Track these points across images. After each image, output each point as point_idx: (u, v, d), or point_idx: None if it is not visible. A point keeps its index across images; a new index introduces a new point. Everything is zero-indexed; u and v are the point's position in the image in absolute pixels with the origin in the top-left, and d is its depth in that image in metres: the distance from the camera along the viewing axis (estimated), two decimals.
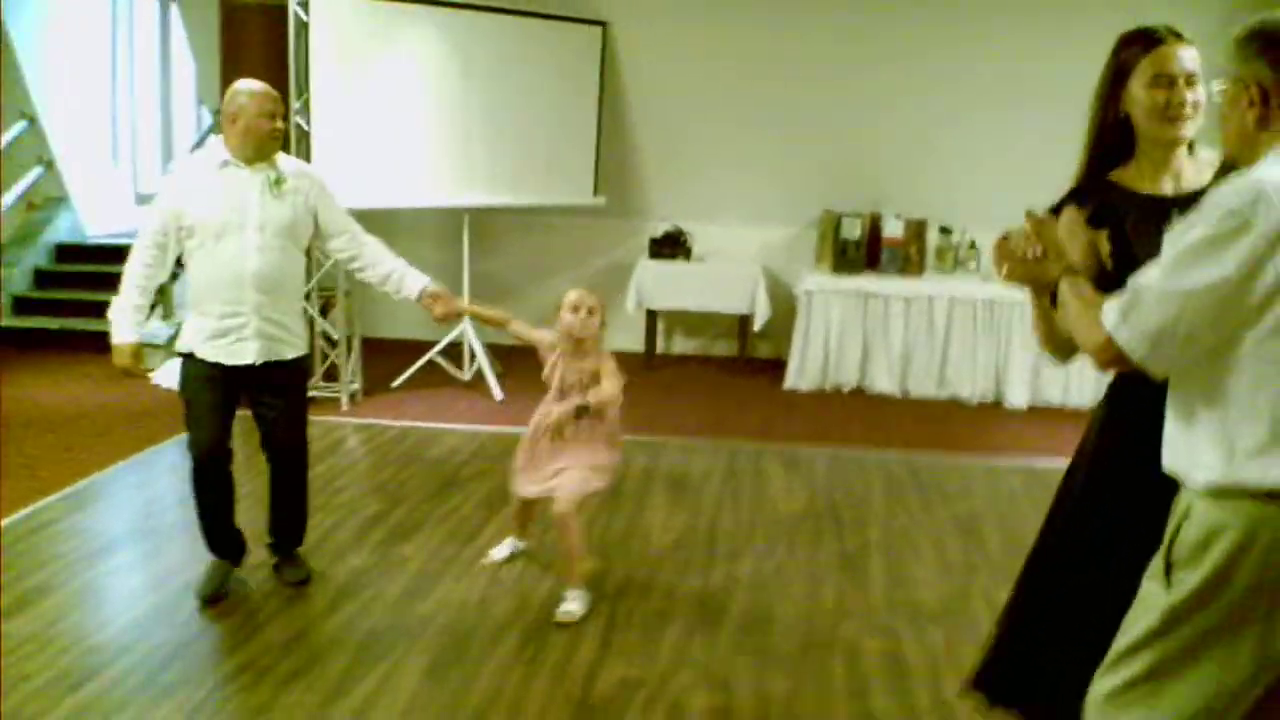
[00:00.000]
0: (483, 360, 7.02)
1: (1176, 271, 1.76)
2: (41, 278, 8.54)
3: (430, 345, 7.24)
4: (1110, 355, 1.87)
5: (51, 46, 8.76)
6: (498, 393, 6.80)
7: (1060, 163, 2.58)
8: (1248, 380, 1.75)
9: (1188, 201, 2.02)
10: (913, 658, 3.49)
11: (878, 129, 7.63)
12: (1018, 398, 6.86)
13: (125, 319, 3.63)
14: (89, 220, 9.17)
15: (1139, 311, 1.80)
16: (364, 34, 6.48)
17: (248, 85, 3.64)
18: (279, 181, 3.66)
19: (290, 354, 3.76)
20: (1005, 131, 7.36)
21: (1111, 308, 1.85)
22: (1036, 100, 6.97)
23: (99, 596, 3.87)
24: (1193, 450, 1.83)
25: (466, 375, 7.20)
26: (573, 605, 3.70)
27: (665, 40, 7.72)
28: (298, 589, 3.89)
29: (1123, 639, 1.90)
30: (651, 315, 7.92)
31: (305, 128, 6.29)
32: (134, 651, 3.40)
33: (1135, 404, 2.11)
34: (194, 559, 3.91)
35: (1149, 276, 1.80)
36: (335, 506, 4.82)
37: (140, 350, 3.67)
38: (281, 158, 3.74)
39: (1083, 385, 6.65)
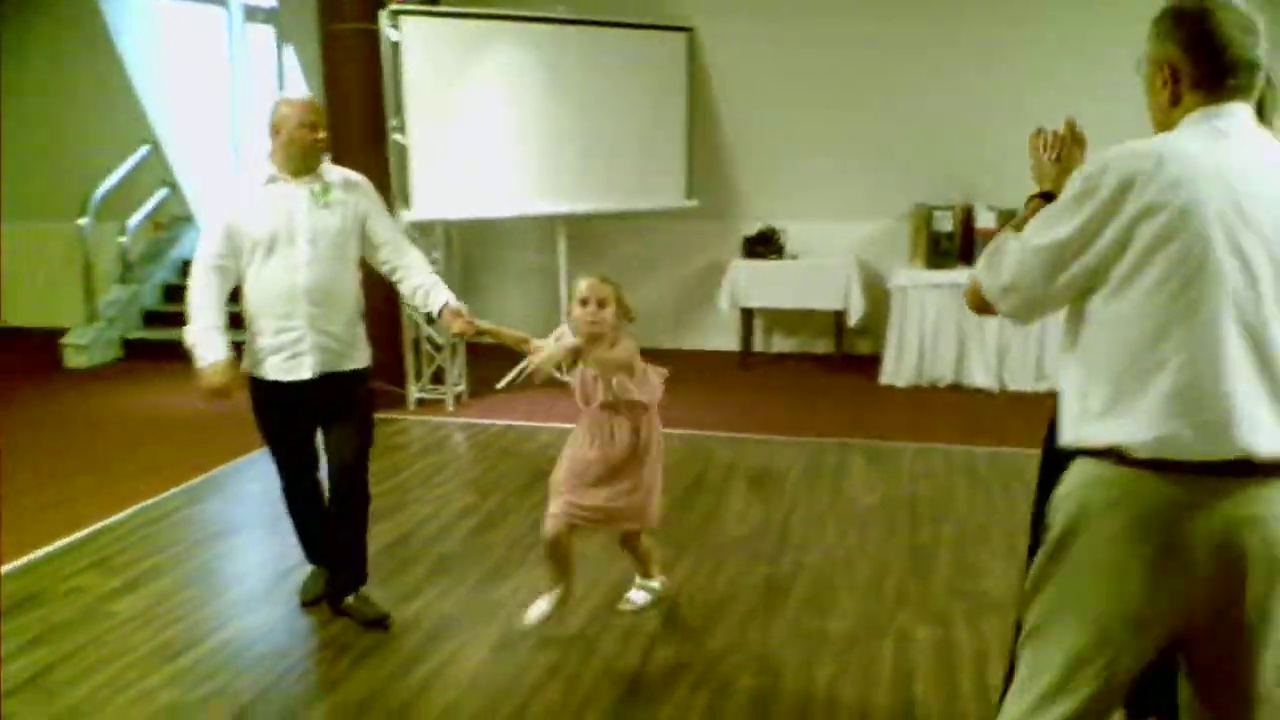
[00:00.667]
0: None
1: (1033, 230, 1.89)
2: (170, 292, 9.11)
3: None
4: (975, 300, 2.03)
5: (168, 75, 9.31)
6: None
7: None
8: (1102, 342, 1.83)
9: None
10: (964, 646, 3.53)
11: (968, 120, 7.58)
12: None
13: (208, 339, 3.45)
14: None
15: (998, 262, 1.94)
16: (455, 51, 6.76)
17: (289, 96, 3.62)
18: (325, 191, 3.57)
19: (349, 366, 3.66)
20: (1098, 121, 7.23)
21: (982, 254, 1.97)
22: (1131, 88, 6.84)
23: (206, 578, 4.19)
24: (1062, 411, 1.92)
25: (566, 376, 7.40)
26: (638, 596, 3.77)
27: (751, 41, 7.82)
28: (382, 631, 3.69)
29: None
30: (747, 314, 8.03)
31: (403, 144, 6.60)
32: (230, 627, 3.71)
33: None
34: (294, 546, 4.16)
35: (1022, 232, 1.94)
36: (431, 499, 5.10)
37: (232, 365, 3.49)
38: (328, 167, 3.64)
39: None
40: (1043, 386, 6.93)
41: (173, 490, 5.17)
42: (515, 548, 4.45)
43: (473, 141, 6.83)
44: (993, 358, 7.08)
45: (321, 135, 3.55)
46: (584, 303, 3.43)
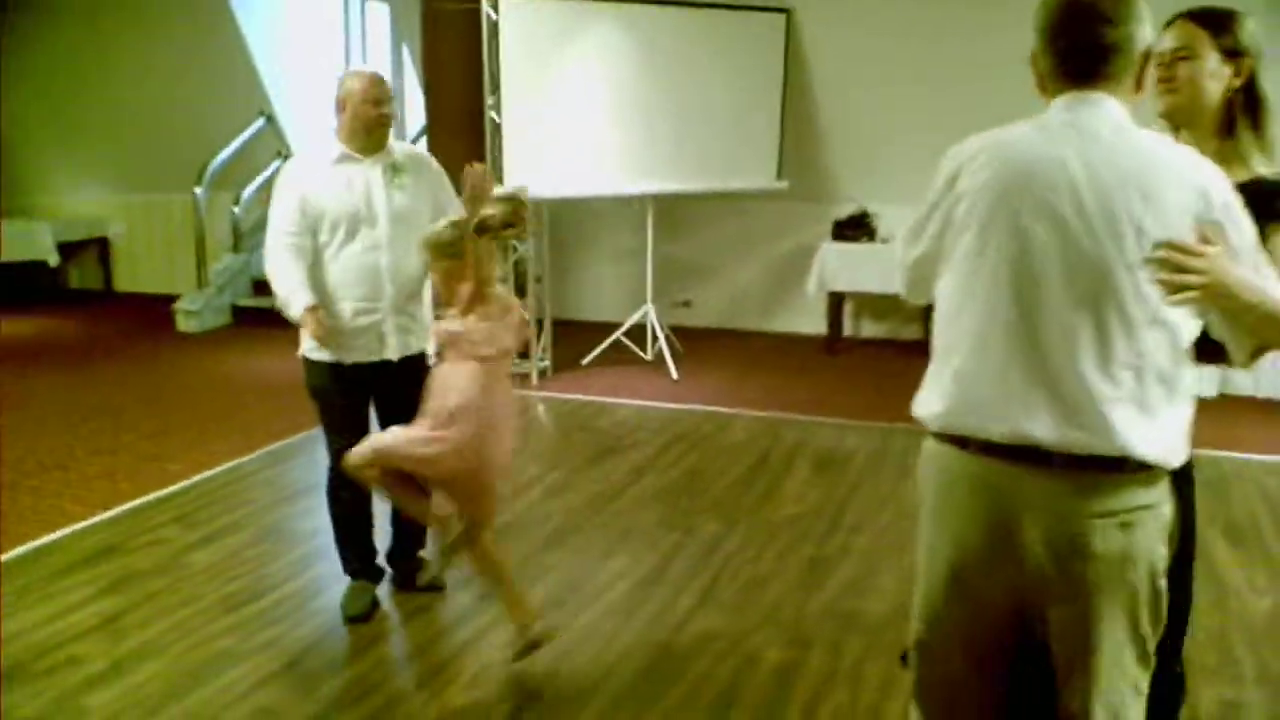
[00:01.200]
0: (663, 342, 7.33)
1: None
2: None
3: (618, 327, 7.62)
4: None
5: (285, 49, 9.65)
6: (674, 372, 7.10)
7: None
8: (935, 319, 1.93)
9: None
10: None
11: None
12: (1207, 387, 6.56)
13: (297, 293, 3.43)
14: None
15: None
16: (552, 32, 6.89)
17: (355, 71, 3.61)
18: (397, 170, 3.55)
19: (418, 347, 3.67)
20: None
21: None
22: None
23: (278, 536, 4.41)
24: None
25: (649, 355, 7.53)
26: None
27: (849, 22, 7.74)
28: (435, 593, 3.82)
29: None
30: (836, 298, 7.99)
31: (497, 121, 6.76)
32: (295, 581, 3.92)
33: None
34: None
35: None
36: None
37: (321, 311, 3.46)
38: (394, 143, 3.62)
39: (1276, 377, 6.31)
40: None
41: (259, 452, 5.44)
42: (573, 516, 4.57)
43: (566, 120, 6.95)
44: None
45: (386, 111, 3.51)
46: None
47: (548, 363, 7.32)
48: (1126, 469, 1.75)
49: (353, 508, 3.71)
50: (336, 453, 3.45)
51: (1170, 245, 1.72)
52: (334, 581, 3.87)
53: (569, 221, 8.79)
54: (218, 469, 5.15)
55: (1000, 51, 7.67)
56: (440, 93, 7.16)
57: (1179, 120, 2.25)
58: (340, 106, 3.54)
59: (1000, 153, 1.83)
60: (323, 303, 3.49)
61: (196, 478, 5.01)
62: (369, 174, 3.53)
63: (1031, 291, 1.77)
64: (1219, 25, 2.19)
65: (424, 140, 7.36)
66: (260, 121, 9.51)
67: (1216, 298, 1.74)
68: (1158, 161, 1.77)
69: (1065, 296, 1.75)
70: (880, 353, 7.93)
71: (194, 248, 9.24)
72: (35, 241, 9.84)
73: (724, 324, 8.67)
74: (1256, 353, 1.88)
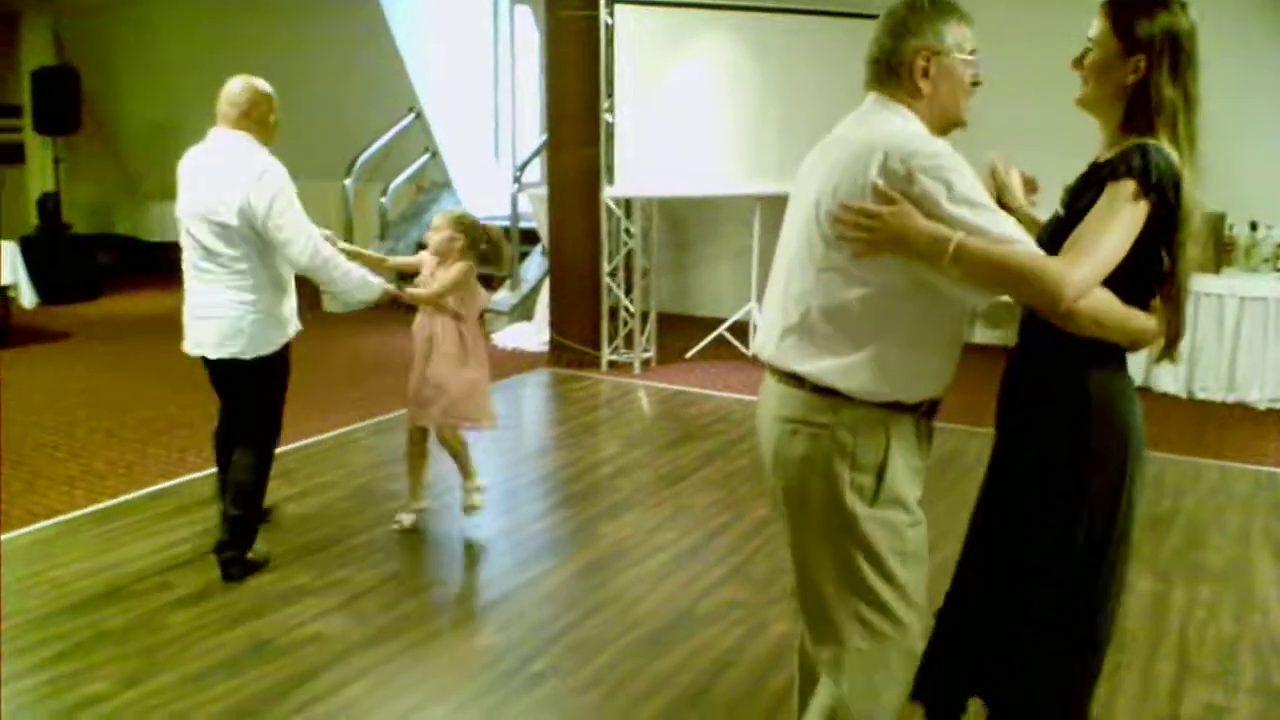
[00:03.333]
0: None
1: None
2: (423, 249, 10.05)
3: (722, 322, 7.90)
4: None
5: (434, 48, 10.23)
6: None
7: None
8: None
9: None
10: None
11: None
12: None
13: (369, 277, 4.18)
14: (470, 203, 10.65)
15: None
16: (665, 38, 7.20)
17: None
18: None
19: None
20: None
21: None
22: None
23: (363, 494, 4.86)
24: None
25: (749, 351, 7.77)
26: (468, 498, 4.41)
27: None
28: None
29: None
30: None
31: (611, 122, 7.12)
32: (368, 533, 4.35)
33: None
34: (446, 472, 4.76)
35: None
36: (582, 446, 5.63)
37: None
38: None
39: None
40: (1232, 397, 6.66)
41: (366, 421, 5.94)
42: (638, 492, 4.89)
43: (677, 122, 7.25)
44: (1183, 365, 6.85)
45: None
46: (437, 229, 4.38)
47: (651, 353, 7.64)
48: (805, 387, 2.14)
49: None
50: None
51: (845, 206, 2.05)
52: (400, 539, 4.31)
53: (683, 220, 9.10)
54: (328, 434, 5.66)
55: (1059, 58, 7.62)
56: (560, 95, 7.55)
57: (1088, 110, 2.26)
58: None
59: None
60: (285, 288, 4.12)
61: (306, 440, 5.52)
62: None
63: (784, 244, 2.27)
64: (1120, 17, 2.14)
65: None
66: (409, 117, 10.13)
67: (895, 245, 2.01)
68: (839, 139, 2.19)
69: (785, 249, 2.26)
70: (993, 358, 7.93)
71: (342, 235, 9.88)
72: None
73: None
74: (997, 314, 2.17)
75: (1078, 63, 2.26)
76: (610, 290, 7.53)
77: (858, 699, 2.19)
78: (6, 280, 8.48)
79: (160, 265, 11.84)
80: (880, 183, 2.01)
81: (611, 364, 7.53)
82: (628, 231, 7.63)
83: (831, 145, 2.20)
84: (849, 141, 2.13)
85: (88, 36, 11.71)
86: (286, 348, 4.07)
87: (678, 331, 8.14)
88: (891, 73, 2.16)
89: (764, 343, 2.27)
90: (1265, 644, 3.56)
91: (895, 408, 2.13)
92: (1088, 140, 2.32)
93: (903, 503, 2.16)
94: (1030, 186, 2.63)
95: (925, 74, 2.14)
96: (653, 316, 7.67)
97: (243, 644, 3.41)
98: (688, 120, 7.30)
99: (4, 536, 4.20)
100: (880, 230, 2.01)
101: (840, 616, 2.18)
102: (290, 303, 4.08)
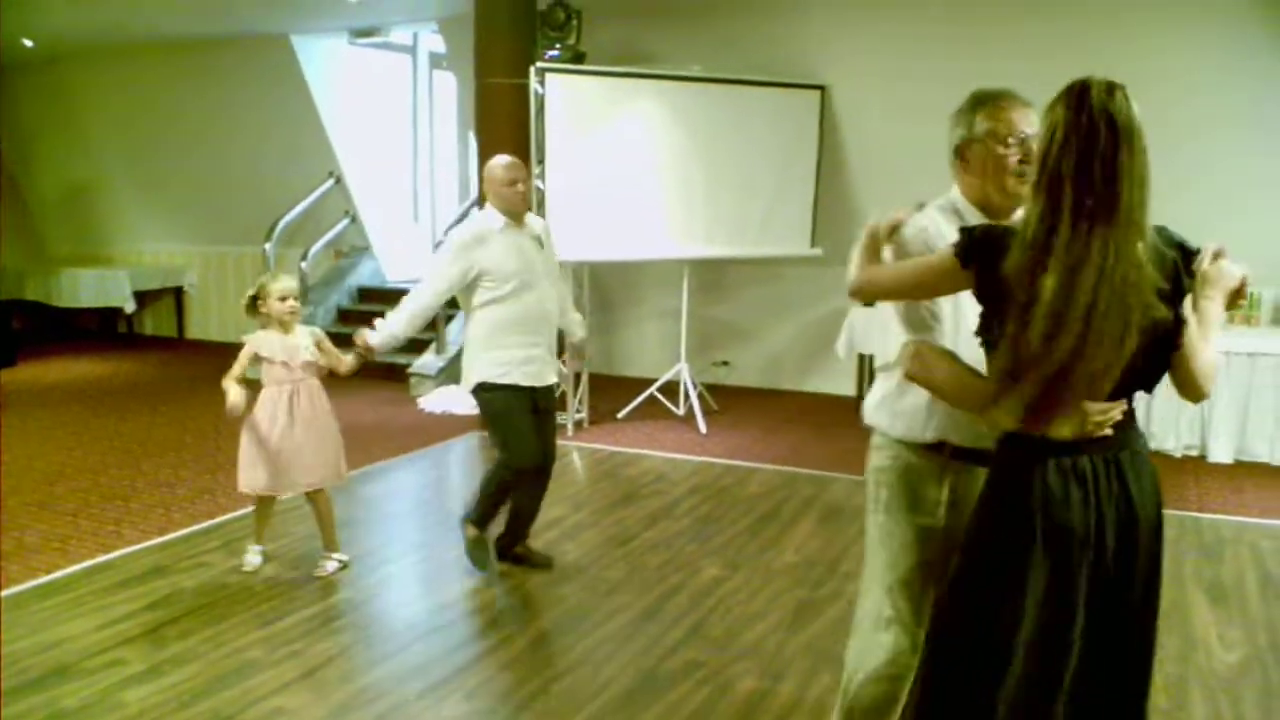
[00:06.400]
0: (695, 399, 7.66)
1: None
2: (343, 315, 10.00)
3: (652, 382, 7.97)
4: None
5: (354, 112, 10.25)
6: (702, 427, 7.41)
7: None
8: None
9: None
10: None
11: None
12: (1222, 453, 6.72)
13: (382, 335, 4.33)
14: (389, 267, 10.62)
15: None
16: (595, 106, 7.34)
17: (499, 159, 4.43)
18: (538, 237, 4.48)
19: (555, 377, 4.60)
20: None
21: None
22: None
23: (309, 564, 4.77)
24: None
25: (681, 410, 7.86)
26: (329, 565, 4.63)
27: (882, 99, 8.06)
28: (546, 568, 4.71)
29: None
30: (866, 361, 8.25)
31: (542, 189, 7.19)
32: (318, 604, 4.28)
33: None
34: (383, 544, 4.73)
35: None
36: None
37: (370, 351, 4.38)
38: (529, 215, 4.52)
39: None
40: (1151, 445, 6.90)
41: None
42: (588, 554, 4.89)
43: (608, 188, 7.37)
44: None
45: (521, 189, 4.40)
46: (283, 298, 4.49)
47: (584, 414, 7.67)
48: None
49: (529, 493, 4.64)
50: (523, 458, 4.41)
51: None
52: (350, 609, 4.25)
53: (613, 283, 9.19)
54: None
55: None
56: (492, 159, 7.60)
57: None
58: (489, 185, 4.43)
59: None
60: (491, 339, 4.38)
61: (242, 510, 5.41)
62: (526, 240, 4.42)
63: None
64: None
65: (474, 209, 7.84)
66: (329, 182, 10.09)
67: None
68: None
69: None
70: None
71: None
72: (114, 289, 10.49)
73: (762, 384, 8.98)
74: None
75: None
76: None
77: None
78: None
79: (68, 332, 11.60)
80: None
81: None
82: None
83: None
84: None
85: (2, 99, 11.48)
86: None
87: (605, 393, 8.20)
88: (954, 156, 2.57)
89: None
90: (1213, 681, 3.69)
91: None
92: None
93: None
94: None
95: (963, 158, 2.54)
96: (585, 377, 7.71)
97: None
98: (617, 186, 7.41)
99: None
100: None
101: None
102: (486, 355, 4.40)
